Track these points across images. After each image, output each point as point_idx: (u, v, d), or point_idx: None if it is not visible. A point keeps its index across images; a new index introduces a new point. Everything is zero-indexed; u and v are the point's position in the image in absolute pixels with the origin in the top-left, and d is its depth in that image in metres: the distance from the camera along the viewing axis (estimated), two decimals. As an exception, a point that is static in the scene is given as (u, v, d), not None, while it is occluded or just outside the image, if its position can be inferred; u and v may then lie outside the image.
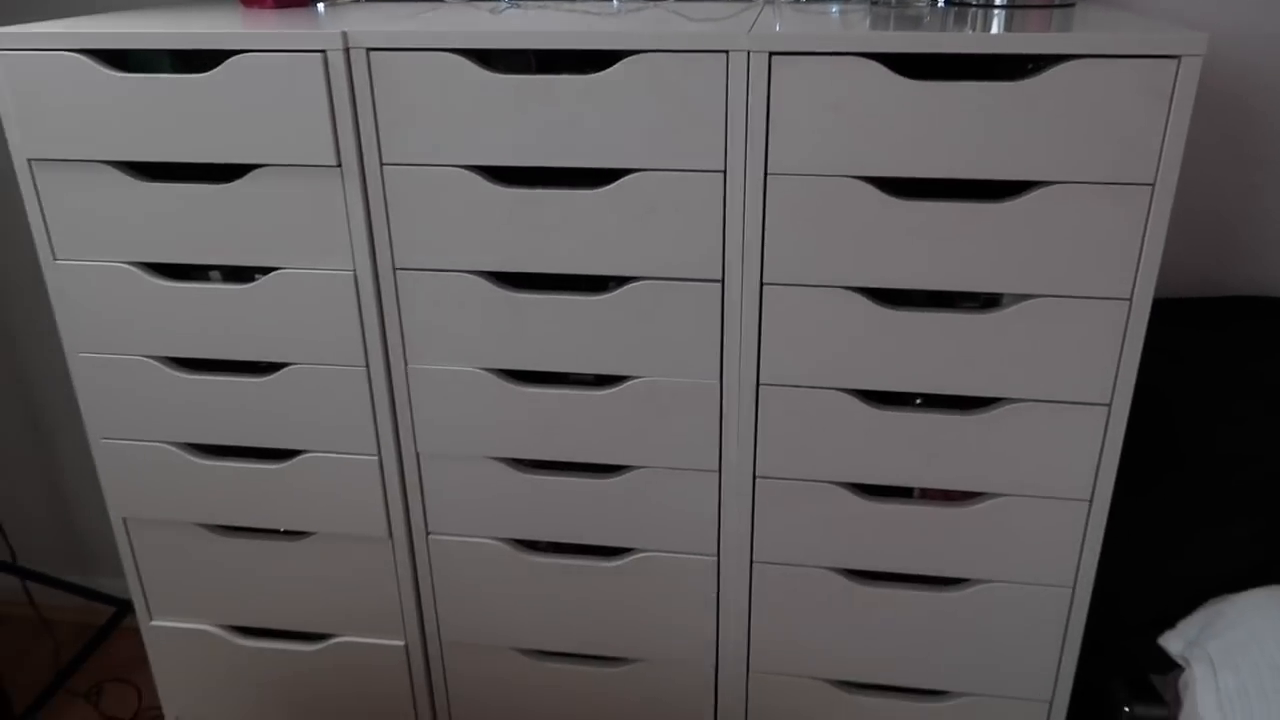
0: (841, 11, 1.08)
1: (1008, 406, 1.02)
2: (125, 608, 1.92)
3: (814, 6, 1.13)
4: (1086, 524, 1.05)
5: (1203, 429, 1.19)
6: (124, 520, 1.26)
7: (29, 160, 1.07)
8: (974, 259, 0.96)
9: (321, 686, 1.32)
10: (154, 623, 1.33)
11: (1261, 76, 1.18)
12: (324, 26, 1.01)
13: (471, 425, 1.12)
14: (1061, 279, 0.96)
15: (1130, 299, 0.96)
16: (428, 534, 1.20)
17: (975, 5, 1.06)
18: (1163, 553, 1.18)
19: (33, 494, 1.95)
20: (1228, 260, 1.29)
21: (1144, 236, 0.93)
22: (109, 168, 1.06)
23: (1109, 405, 1.00)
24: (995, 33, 0.92)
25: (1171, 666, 1.13)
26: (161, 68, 1.02)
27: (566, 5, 1.17)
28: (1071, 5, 1.07)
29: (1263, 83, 1.19)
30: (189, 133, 1.02)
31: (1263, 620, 1.06)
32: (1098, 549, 1.06)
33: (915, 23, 0.98)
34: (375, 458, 1.16)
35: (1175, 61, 0.87)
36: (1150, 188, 0.92)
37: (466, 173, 1.01)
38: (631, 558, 1.16)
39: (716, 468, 1.09)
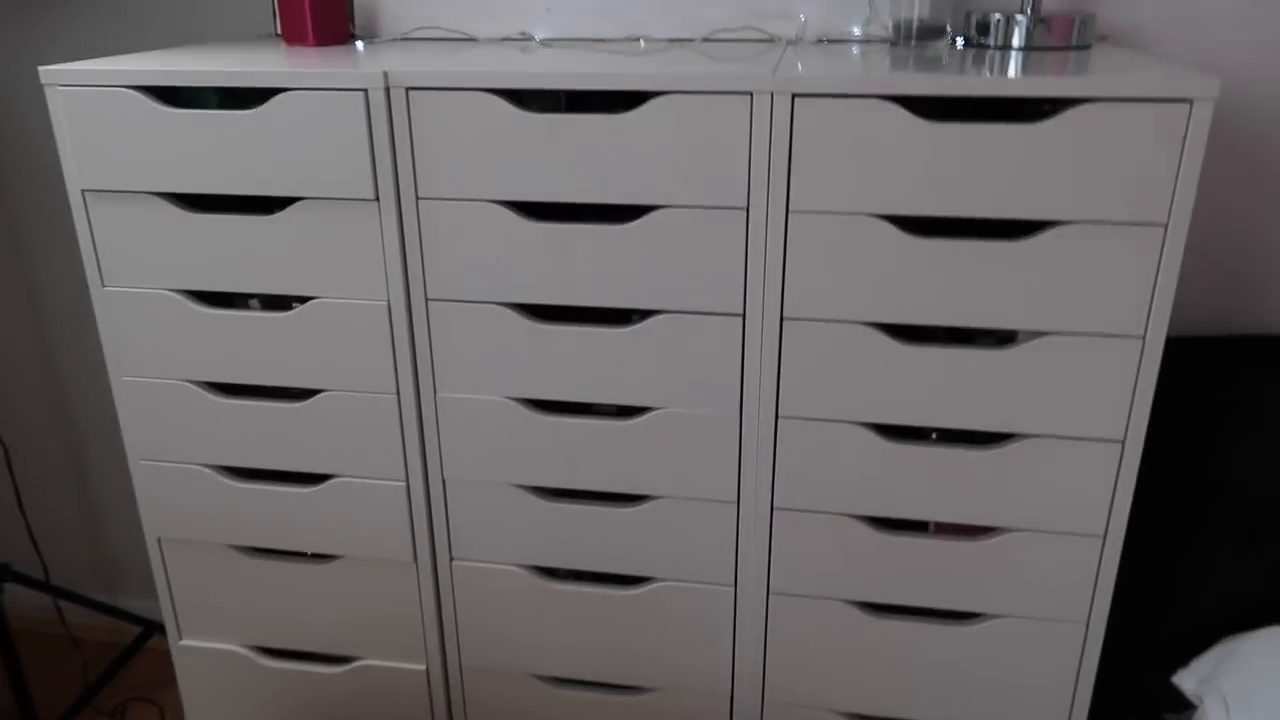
0: (862, 52, 1.11)
1: (1023, 442, 1.03)
2: (151, 628, 1.94)
3: (835, 46, 1.17)
4: (1100, 560, 1.06)
5: (1217, 465, 1.20)
6: (159, 540, 1.30)
7: (83, 191, 1.12)
8: (990, 296, 0.99)
9: (343, 709, 1.34)
10: (183, 642, 1.36)
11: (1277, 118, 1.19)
12: (364, 65, 1.05)
13: (497, 453, 1.15)
14: (1076, 316, 0.98)
15: (1144, 336, 0.98)
16: (451, 559, 1.23)
17: (993, 47, 1.09)
18: (1176, 589, 1.19)
19: (68, 514, 2.00)
20: (1243, 299, 1.30)
21: (1157, 275, 0.95)
22: (158, 199, 1.10)
23: (1123, 442, 1.01)
24: (1012, 76, 0.94)
25: (1185, 705, 1.13)
26: (209, 103, 1.07)
27: (594, 44, 1.21)
28: (1088, 47, 1.10)
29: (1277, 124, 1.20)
30: (235, 166, 1.07)
31: (1277, 659, 1.07)
32: (1112, 585, 1.07)
33: (934, 64, 1.01)
34: (403, 483, 1.18)
35: (1188, 105, 0.89)
36: (1163, 228, 0.94)
37: (498, 207, 1.04)
38: (650, 587, 1.18)
39: (735, 499, 1.11)
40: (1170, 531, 1.20)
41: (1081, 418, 1.01)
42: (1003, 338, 1.04)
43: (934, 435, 1.07)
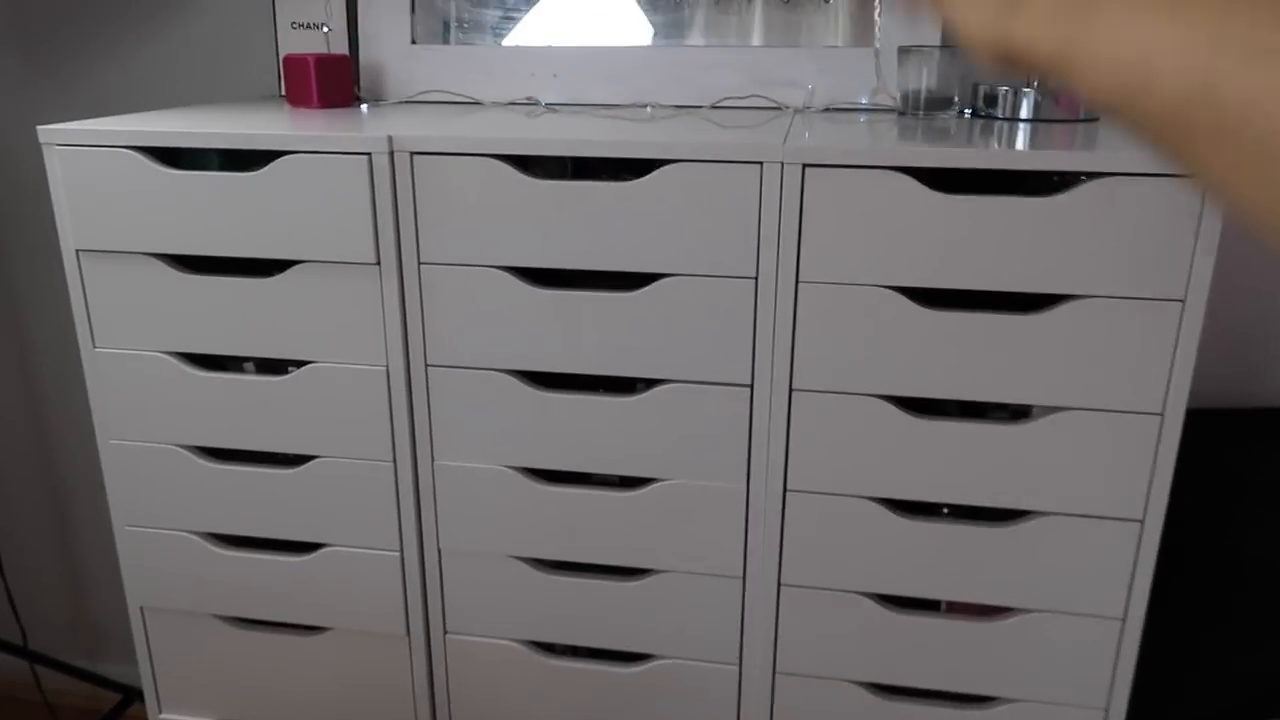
0: (869, 121, 1.11)
1: (1038, 520, 1.01)
2: (131, 695, 1.88)
3: (842, 115, 1.16)
4: (1120, 643, 1.02)
5: (1236, 541, 1.17)
6: (141, 609, 1.26)
7: (77, 251, 1.10)
8: (1004, 370, 0.97)
9: (329, 788, 1.29)
10: (163, 715, 1.31)
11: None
12: (368, 128, 1.04)
13: (495, 523, 1.12)
14: (1092, 392, 0.96)
15: (1162, 414, 0.95)
16: (445, 633, 1.18)
17: (1001, 118, 1.09)
18: (1196, 672, 1.15)
19: (49, 577, 1.95)
20: (1262, 370, 1.29)
21: (1175, 351, 0.94)
22: (154, 260, 1.08)
23: (1142, 521, 0.99)
24: (1026, 149, 0.94)
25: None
26: (210, 165, 1.06)
27: (602, 111, 1.21)
28: (1096, 120, 1.09)
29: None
30: (234, 228, 1.05)
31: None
32: (1132, 669, 1.03)
33: (942, 134, 1.01)
34: (397, 553, 1.15)
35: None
36: (1181, 303, 0.92)
37: (501, 273, 1.02)
38: (651, 664, 1.14)
39: (741, 574, 1.08)
40: (1189, 612, 1.16)
41: (1099, 495, 0.99)
42: (1017, 412, 1.02)
43: (946, 511, 1.04)
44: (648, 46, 1.29)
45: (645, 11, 1.29)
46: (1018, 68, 0.44)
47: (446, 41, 1.36)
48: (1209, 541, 1.18)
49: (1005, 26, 0.43)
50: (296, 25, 1.38)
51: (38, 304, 1.73)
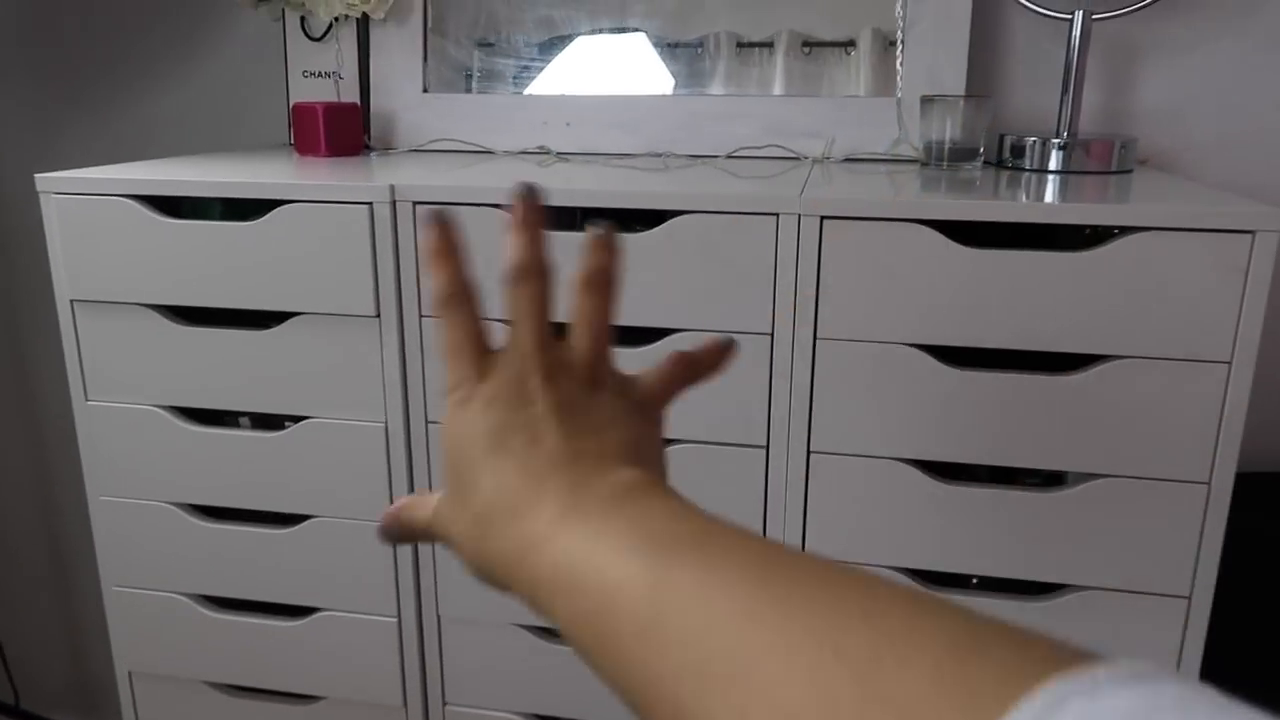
0: (891, 173, 1.07)
1: (1074, 594, 0.94)
2: (126, 759, 1.82)
3: (862, 166, 1.12)
4: None
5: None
6: (129, 674, 1.20)
7: (71, 301, 1.06)
8: (1036, 434, 0.91)
9: None
10: (150, 786, 1.25)
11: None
12: (375, 177, 1.01)
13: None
14: (1132, 459, 0.90)
15: (1209, 483, 0.89)
16: (445, 704, 1.12)
17: (1029, 170, 1.04)
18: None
19: (44, 636, 1.90)
20: None
21: (1222, 416, 0.88)
22: (149, 310, 1.05)
23: (1189, 598, 0.92)
24: (1053, 201, 0.89)
25: None
26: (211, 215, 1.03)
27: (614, 160, 1.17)
28: (1129, 172, 1.05)
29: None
30: (232, 279, 1.01)
31: None
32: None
33: (967, 186, 0.96)
34: (394, 619, 1.09)
35: (1250, 236, 0.83)
36: (1228, 365, 0.86)
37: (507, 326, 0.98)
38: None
39: (757, 648, 1.02)
40: (1242, 694, 1.08)
41: (1141, 569, 0.92)
42: (1050, 478, 0.95)
43: (975, 582, 0.98)
44: (663, 96, 1.26)
45: (666, 62, 1.26)
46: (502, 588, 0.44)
47: (460, 90, 1.34)
48: (1262, 616, 1.11)
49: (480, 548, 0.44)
50: (308, 74, 1.37)
51: (41, 355, 1.71)
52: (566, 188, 0.96)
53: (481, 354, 0.47)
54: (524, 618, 1.07)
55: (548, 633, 1.08)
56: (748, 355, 0.94)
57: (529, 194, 0.48)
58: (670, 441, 0.98)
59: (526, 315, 0.46)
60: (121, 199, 1.02)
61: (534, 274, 0.47)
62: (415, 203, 0.97)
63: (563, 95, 1.28)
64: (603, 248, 0.49)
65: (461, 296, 0.48)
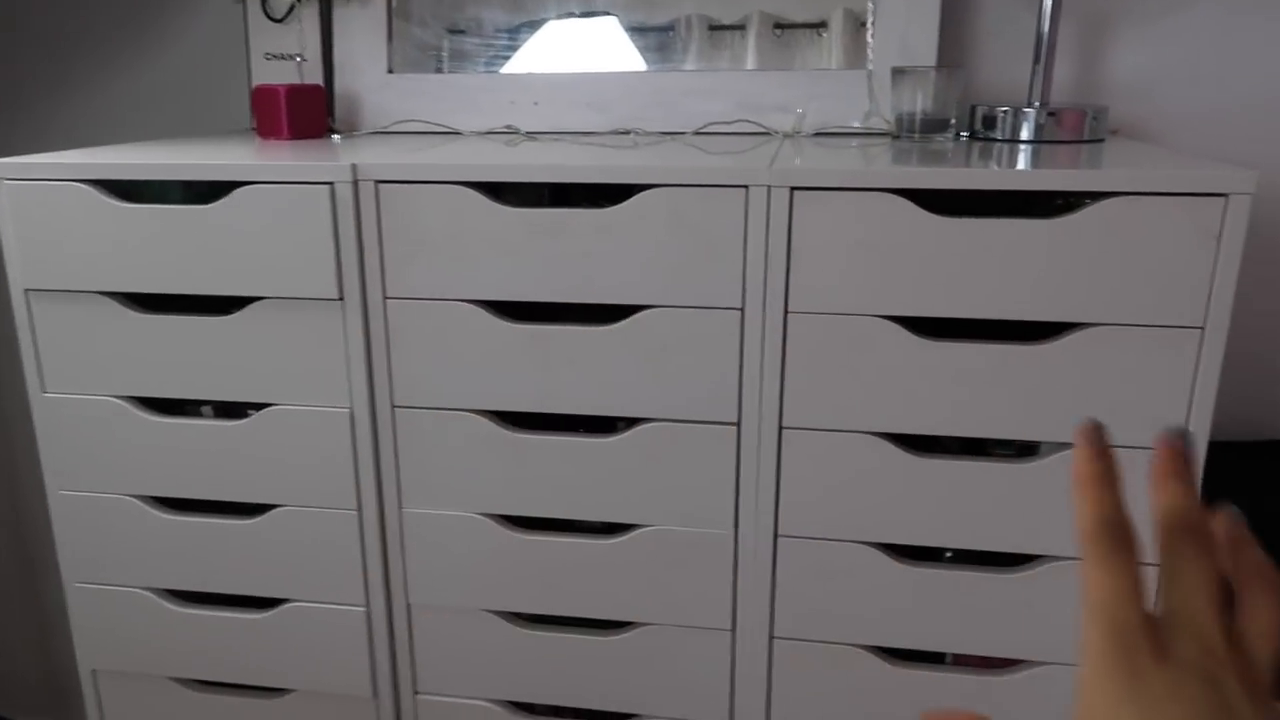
0: (863, 145, 1.06)
1: (1049, 565, 0.93)
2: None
3: (834, 140, 1.11)
4: (1142, 699, 0.95)
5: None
6: (94, 672, 1.18)
7: (26, 290, 1.04)
8: (1009, 404, 0.90)
9: None
10: (119, 785, 1.22)
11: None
12: (338, 158, 0.99)
13: (467, 575, 1.04)
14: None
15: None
16: (415, 694, 1.11)
17: (1000, 140, 1.04)
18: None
19: (13, 633, 1.86)
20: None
21: (1195, 382, 0.87)
22: (106, 299, 1.02)
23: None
24: (1033, 169, 0.88)
25: None
26: (172, 199, 1.00)
27: (583, 138, 1.15)
28: (1101, 141, 1.04)
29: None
30: (191, 264, 0.99)
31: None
32: (1156, 728, 0.95)
33: (939, 158, 0.95)
34: (363, 608, 1.07)
35: (1223, 199, 0.82)
36: (1200, 331, 0.86)
37: (473, 307, 0.96)
38: (637, 726, 1.07)
39: (730, 627, 1.00)
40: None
41: (1113, 538, 0.92)
42: (1023, 449, 0.95)
43: (949, 555, 0.97)
44: (632, 73, 1.24)
45: (637, 46, 1.25)
46: None
47: (425, 70, 1.32)
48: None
49: None
50: (270, 56, 1.34)
51: (3, 346, 1.67)
52: (530, 163, 0.94)
53: (1149, 618, 0.38)
54: (496, 603, 1.05)
55: (521, 618, 1.06)
56: (718, 331, 0.93)
57: (1178, 439, 0.42)
58: (640, 420, 0.97)
59: (1199, 589, 0.38)
60: (77, 184, 0.99)
61: (1200, 532, 0.39)
62: (378, 182, 0.95)
63: (530, 74, 1.26)
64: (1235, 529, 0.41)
65: (1130, 533, 0.40)
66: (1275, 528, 1.11)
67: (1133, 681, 0.37)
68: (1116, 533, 0.39)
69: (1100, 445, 0.41)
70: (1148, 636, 0.38)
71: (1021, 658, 0.97)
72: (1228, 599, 0.39)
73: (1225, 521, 0.41)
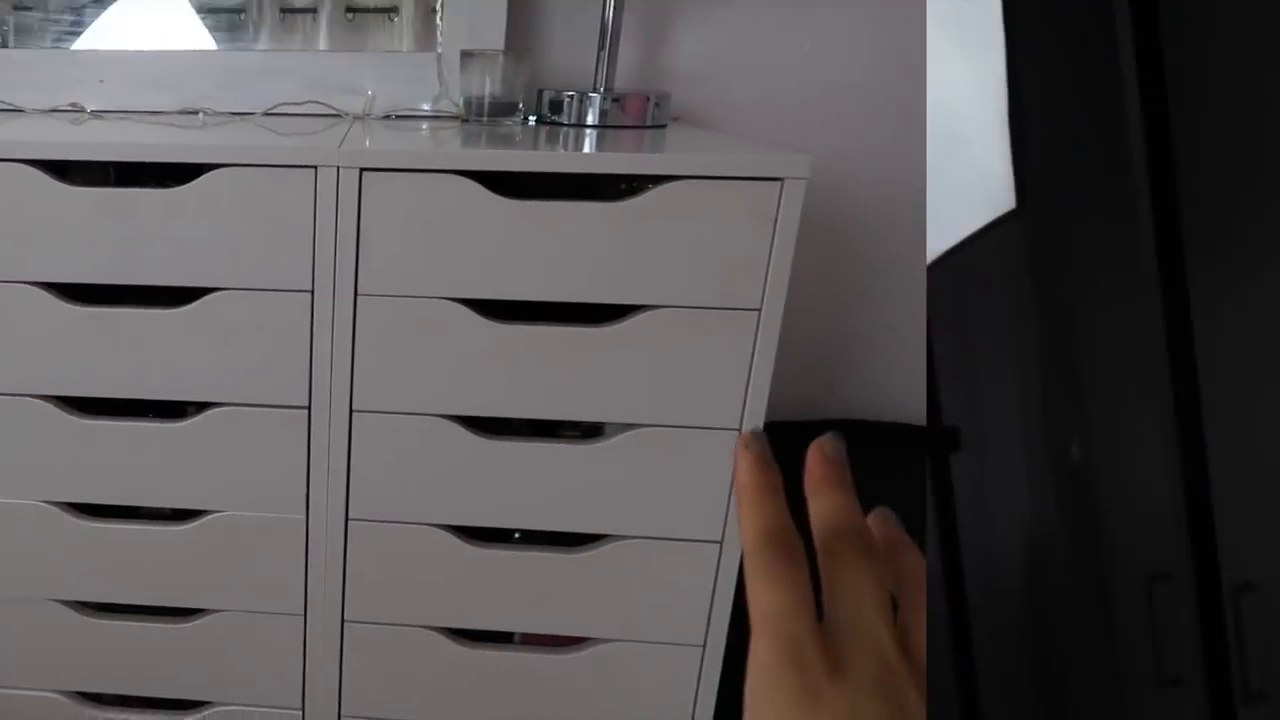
0: (433, 128, 1.06)
1: (614, 544, 0.96)
2: None
3: (404, 122, 1.10)
4: (701, 670, 0.98)
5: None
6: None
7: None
8: (575, 386, 0.92)
9: None
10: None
11: (848, 200, 1.18)
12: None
13: (32, 564, 1.01)
14: (667, 408, 0.92)
15: (739, 429, 0.92)
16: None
17: (567, 125, 1.05)
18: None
19: None
20: (830, 382, 1.27)
21: (752, 363, 0.90)
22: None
23: (721, 542, 0.95)
24: (596, 152, 0.90)
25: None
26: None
27: (150, 117, 1.11)
28: (663, 127, 1.06)
29: (849, 206, 1.18)
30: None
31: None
32: (713, 696, 0.98)
33: (507, 141, 0.96)
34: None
35: (779, 184, 0.85)
36: (757, 312, 0.89)
37: (34, 289, 0.93)
38: (205, 713, 1.05)
39: (302, 611, 1.00)
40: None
41: (677, 517, 0.95)
42: (590, 430, 0.97)
43: (518, 536, 0.99)
44: (201, 51, 1.20)
45: (208, 26, 1.21)
46: None
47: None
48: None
49: None
50: None
51: None
52: (96, 141, 0.91)
53: (820, 631, 0.36)
54: (61, 591, 1.01)
55: (88, 607, 1.03)
56: (288, 314, 0.92)
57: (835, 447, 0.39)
58: (209, 405, 0.95)
59: (867, 599, 0.36)
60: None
61: (863, 539, 0.37)
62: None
63: (95, 51, 1.19)
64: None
65: (795, 543, 0.37)
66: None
67: (809, 700, 0.35)
68: (782, 544, 0.37)
69: (762, 455, 0.39)
70: (820, 651, 0.35)
71: (587, 635, 0.99)
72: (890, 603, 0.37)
73: (880, 524, 0.39)
